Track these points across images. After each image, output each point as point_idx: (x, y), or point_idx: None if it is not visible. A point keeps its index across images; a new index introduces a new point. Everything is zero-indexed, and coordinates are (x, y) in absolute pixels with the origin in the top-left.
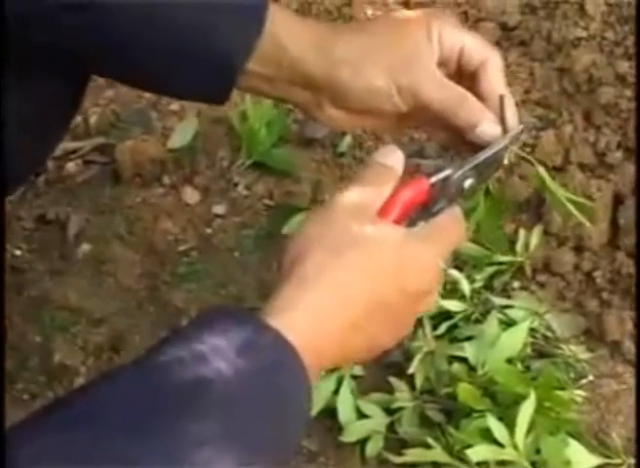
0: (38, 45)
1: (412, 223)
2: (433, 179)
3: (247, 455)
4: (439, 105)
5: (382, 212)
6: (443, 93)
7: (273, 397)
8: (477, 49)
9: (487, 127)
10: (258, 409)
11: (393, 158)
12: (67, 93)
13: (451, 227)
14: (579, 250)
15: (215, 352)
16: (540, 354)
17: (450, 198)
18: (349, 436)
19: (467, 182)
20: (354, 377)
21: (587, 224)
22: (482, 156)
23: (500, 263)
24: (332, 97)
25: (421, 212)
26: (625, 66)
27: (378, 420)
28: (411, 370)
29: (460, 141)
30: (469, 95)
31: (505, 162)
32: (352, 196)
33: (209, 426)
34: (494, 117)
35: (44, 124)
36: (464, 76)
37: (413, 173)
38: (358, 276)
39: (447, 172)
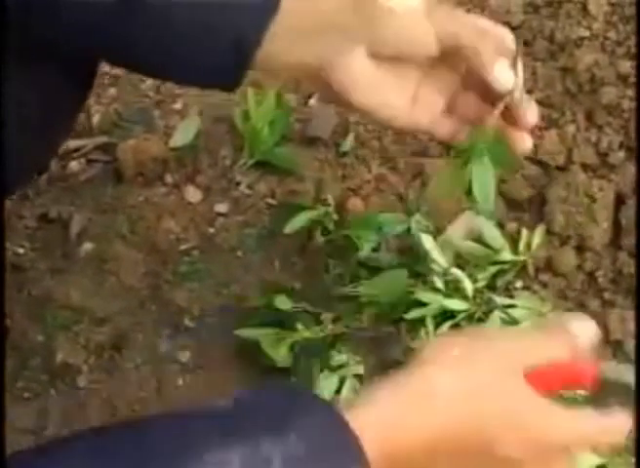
0: (38, 36)
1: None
2: (607, 372)
3: None
4: (470, 44)
5: (531, 371)
6: (478, 36)
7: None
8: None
9: (502, 67)
10: None
11: (584, 328)
12: (69, 90)
13: (599, 427)
14: (581, 249)
15: None
16: None
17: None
18: None
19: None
20: (356, 376)
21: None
22: None
23: (503, 263)
24: (363, 34)
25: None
26: (628, 66)
27: None
28: None
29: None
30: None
31: None
32: (512, 338)
33: None
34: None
35: (45, 121)
36: None
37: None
38: (453, 407)
39: (626, 375)
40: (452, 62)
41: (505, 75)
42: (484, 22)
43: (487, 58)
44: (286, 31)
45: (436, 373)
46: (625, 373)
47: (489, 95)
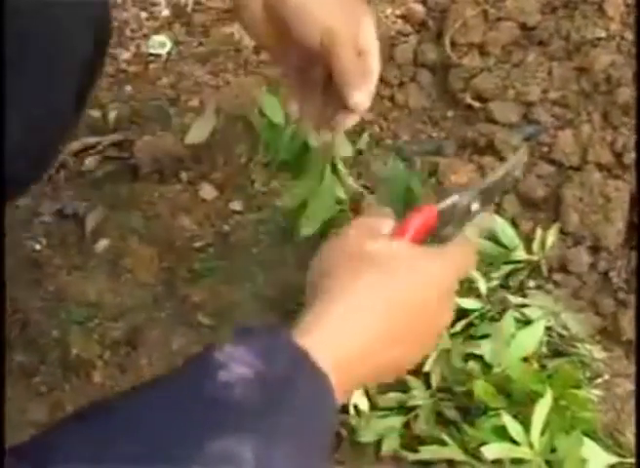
0: None
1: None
2: (442, 206)
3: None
4: (343, 67)
5: (396, 235)
6: (352, 54)
7: (296, 408)
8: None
9: (362, 95)
10: (282, 418)
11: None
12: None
13: (463, 252)
14: (595, 249)
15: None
16: (556, 353)
17: (458, 222)
18: (365, 434)
19: (474, 206)
20: None
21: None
22: (488, 182)
23: (517, 262)
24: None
25: (432, 237)
26: None
27: (393, 418)
28: (427, 368)
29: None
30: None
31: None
32: (363, 222)
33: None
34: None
35: (47, 123)
36: None
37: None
38: (378, 293)
39: (454, 198)
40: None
41: (363, 102)
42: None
43: (353, 82)
44: None
45: (345, 281)
46: (453, 197)
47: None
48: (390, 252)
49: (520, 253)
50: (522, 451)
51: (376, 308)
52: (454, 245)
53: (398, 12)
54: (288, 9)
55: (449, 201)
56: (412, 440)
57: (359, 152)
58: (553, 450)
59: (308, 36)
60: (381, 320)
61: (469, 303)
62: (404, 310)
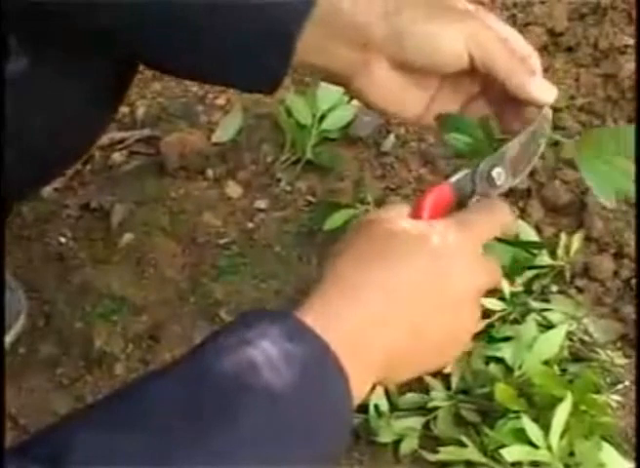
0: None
1: None
2: (452, 179)
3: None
4: (504, 68)
5: (410, 218)
6: (511, 58)
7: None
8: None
9: (540, 84)
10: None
11: None
12: (108, 88)
13: (479, 216)
14: (618, 256)
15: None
16: (577, 358)
17: (483, 192)
18: (384, 435)
19: (495, 171)
20: None
21: None
22: (503, 146)
23: (541, 267)
24: (391, 49)
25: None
26: None
27: (413, 419)
28: (447, 370)
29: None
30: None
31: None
32: (372, 214)
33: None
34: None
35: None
36: None
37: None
38: (377, 270)
39: (465, 170)
40: (473, 72)
41: (547, 91)
42: (512, 37)
43: (521, 79)
44: (316, 33)
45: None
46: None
47: (505, 101)
48: (391, 230)
49: (544, 259)
50: (541, 455)
51: (374, 288)
52: (467, 213)
53: None
54: (413, 47)
55: (460, 173)
56: (431, 441)
57: (384, 154)
58: (572, 454)
59: (450, 59)
60: (379, 301)
61: (492, 304)
62: (407, 290)
